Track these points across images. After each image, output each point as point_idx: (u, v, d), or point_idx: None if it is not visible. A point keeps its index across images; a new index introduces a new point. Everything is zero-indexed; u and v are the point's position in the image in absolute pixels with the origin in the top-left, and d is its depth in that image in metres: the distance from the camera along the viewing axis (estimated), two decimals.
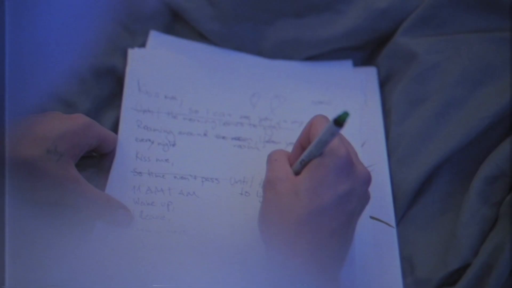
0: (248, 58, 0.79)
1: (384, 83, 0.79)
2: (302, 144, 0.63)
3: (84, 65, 0.75)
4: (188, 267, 0.61)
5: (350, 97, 0.78)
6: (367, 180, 0.60)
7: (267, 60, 0.80)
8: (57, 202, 0.64)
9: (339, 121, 0.55)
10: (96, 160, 0.70)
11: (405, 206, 0.69)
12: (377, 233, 0.67)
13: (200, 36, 0.80)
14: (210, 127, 0.74)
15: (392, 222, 0.68)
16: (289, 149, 0.71)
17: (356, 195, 0.59)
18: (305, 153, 0.60)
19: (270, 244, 0.59)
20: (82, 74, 0.75)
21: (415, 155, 0.72)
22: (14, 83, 0.52)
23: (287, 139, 0.74)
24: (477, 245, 0.65)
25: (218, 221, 0.67)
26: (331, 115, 0.73)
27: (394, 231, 0.68)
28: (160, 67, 0.77)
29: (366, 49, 0.81)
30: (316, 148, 0.58)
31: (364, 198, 0.61)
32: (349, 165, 0.58)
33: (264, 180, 0.62)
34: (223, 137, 0.74)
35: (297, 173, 0.60)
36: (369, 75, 0.79)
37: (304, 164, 0.60)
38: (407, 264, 0.66)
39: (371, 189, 0.63)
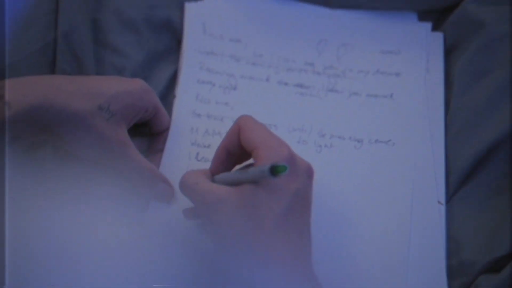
0: (314, 8, 0.78)
1: (448, 52, 0.76)
2: (228, 149, 0.60)
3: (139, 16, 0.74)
4: None
5: (416, 50, 0.75)
6: (311, 172, 0.58)
7: (334, 9, 0.78)
8: (100, 162, 0.63)
9: (276, 172, 0.51)
10: (149, 140, 0.69)
11: (458, 183, 0.67)
12: (423, 210, 0.66)
13: None
14: (272, 72, 0.73)
15: (442, 198, 0.67)
16: (352, 99, 0.72)
17: (305, 189, 0.57)
18: (236, 175, 0.57)
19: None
20: (137, 25, 0.74)
21: (474, 130, 0.69)
22: None
23: (351, 89, 0.73)
24: None
25: None
26: (399, 65, 0.74)
27: (443, 208, 0.66)
28: (225, 12, 0.76)
29: (433, 15, 0.78)
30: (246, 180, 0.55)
31: (311, 191, 0.59)
32: (293, 162, 0.56)
33: (196, 209, 0.59)
34: (285, 83, 0.73)
35: (232, 184, 0.57)
36: (435, 41, 0.76)
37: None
38: (453, 245, 0.65)
39: (426, 162, 0.64)
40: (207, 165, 0.67)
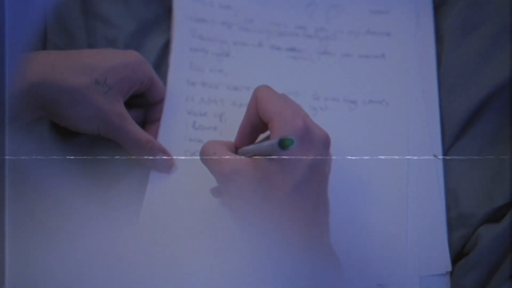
0: None
1: (437, 8, 0.75)
2: (250, 121, 0.60)
3: None
4: None
5: (404, 8, 0.75)
6: (327, 142, 0.59)
7: None
8: (99, 134, 0.64)
9: (284, 145, 0.52)
10: (145, 110, 0.69)
11: (454, 136, 0.68)
12: (420, 165, 0.67)
13: None
14: (264, 38, 0.73)
15: (439, 153, 0.68)
16: (344, 60, 0.73)
17: (321, 159, 0.57)
18: (254, 148, 0.58)
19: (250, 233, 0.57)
20: None
21: (467, 84, 0.70)
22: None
23: (343, 50, 0.73)
24: None
25: None
26: (389, 25, 0.74)
27: (440, 162, 0.67)
28: None
29: None
30: (262, 153, 0.56)
31: (328, 161, 0.59)
32: (308, 133, 0.56)
33: (217, 180, 0.59)
34: (278, 48, 0.73)
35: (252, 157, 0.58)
36: None
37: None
38: (452, 197, 0.66)
39: (420, 119, 0.66)
40: (204, 133, 0.68)
